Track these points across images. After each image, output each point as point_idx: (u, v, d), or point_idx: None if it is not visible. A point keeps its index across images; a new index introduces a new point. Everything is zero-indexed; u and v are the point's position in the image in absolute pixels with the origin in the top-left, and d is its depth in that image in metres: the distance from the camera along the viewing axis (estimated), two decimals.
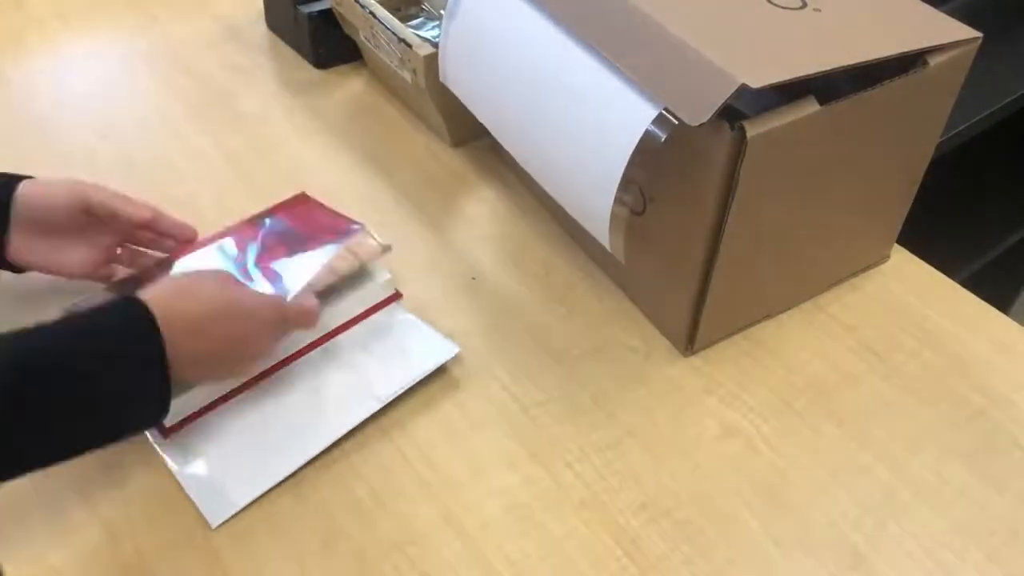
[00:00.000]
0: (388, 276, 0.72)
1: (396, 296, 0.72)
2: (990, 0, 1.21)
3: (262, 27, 1.06)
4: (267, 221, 0.72)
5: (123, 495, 0.61)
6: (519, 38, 0.68)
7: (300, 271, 0.67)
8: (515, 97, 0.69)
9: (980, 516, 0.61)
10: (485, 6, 0.71)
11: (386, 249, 0.71)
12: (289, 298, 0.65)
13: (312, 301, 0.65)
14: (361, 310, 0.71)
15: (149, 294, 0.56)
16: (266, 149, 0.89)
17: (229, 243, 0.70)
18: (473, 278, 0.77)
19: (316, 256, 0.69)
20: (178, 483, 0.61)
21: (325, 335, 0.69)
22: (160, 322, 0.54)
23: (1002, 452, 0.65)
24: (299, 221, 0.72)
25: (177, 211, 0.80)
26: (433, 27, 0.92)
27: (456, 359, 0.69)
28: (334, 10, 0.93)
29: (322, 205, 0.75)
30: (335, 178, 0.86)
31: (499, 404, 0.67)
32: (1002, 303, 0.96)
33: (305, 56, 1.01)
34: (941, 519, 0.61)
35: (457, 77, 0.76)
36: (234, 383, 0.65)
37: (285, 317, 0.63)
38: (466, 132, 0.88)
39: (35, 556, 0.58)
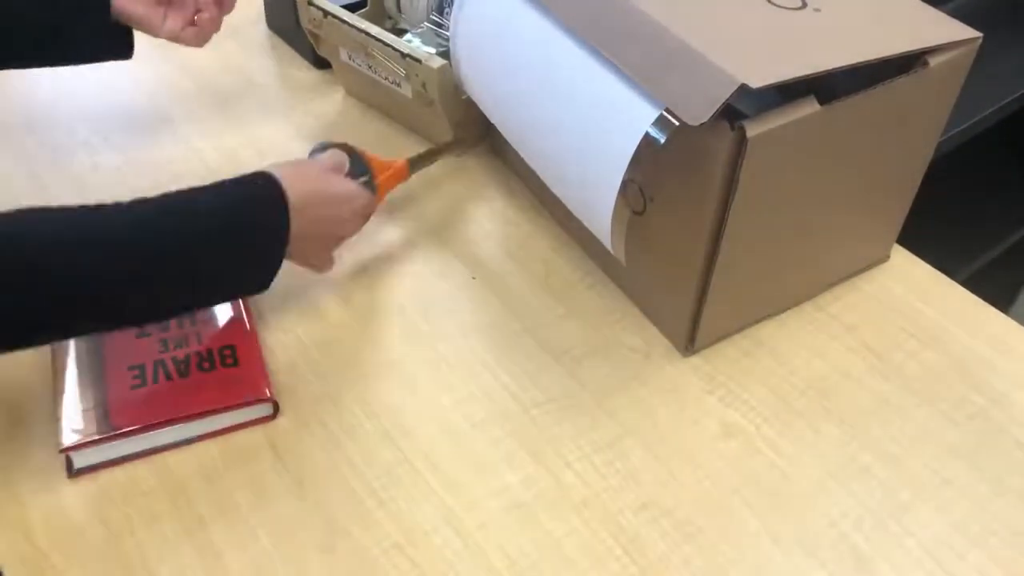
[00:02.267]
0: None
1: None
2: (990, 0, 1.21)
3: (262, 27, 1.06)
4: None
5: (124, 491, 0.61)
6: (520, 39, 0.68)
7: None
8: (518, 97, 0.69)
9: (980, 516, 0.61)
10: (487, 8, 0.71)
11: None
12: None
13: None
14: None
15: (276, 170, 0.64)
16: (266, 149, 0.89)
17: None
18: (473, 278, 0.77)
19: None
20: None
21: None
22: (288, 196, 0.62)
23: (1002, 452, 0.65)
24: None
25: None
26: (411, 37, 0.90)
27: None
28: (306, 31, 0.91)
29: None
30: None
31: (499, 404, 0.67)
32: (1002, 303, 0.96)
33: (305, 56, 1.01)
34: (941, 519, 0.61)
35: (467, 80, 0.77)
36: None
37: (370, 209, 0.73)
38: (472, 140, 0.88)
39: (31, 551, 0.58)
